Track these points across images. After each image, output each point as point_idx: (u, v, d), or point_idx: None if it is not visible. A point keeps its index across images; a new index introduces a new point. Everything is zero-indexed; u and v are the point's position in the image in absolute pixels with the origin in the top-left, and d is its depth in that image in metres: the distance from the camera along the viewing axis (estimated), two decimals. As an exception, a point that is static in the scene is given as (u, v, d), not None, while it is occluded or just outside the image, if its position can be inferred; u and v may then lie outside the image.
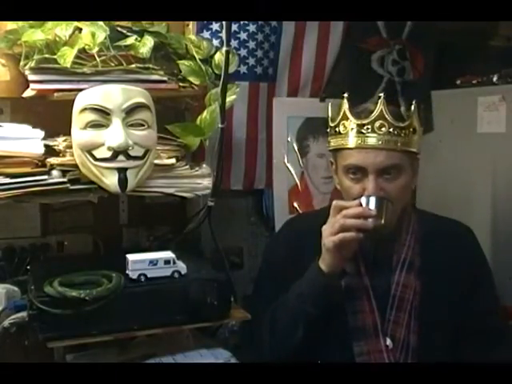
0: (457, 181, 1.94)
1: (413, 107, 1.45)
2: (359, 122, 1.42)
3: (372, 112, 1.42)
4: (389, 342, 1.44)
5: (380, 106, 1.41)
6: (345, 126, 1.44)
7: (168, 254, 1.47)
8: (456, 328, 1.48)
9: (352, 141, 1.43)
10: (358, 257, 1.49)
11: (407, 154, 1.45)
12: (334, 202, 1.43)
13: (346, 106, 1.45)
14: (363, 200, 1.40)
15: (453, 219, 1.60)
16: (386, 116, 1.41)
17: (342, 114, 1.45)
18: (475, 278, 1.51)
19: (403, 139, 1.42)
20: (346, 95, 1.46)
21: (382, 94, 1.42)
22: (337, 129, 1.47)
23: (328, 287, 1.44)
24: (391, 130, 1.41)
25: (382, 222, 1.39)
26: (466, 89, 2.11)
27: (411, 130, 1.44)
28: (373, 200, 1.40)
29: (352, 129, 1.43)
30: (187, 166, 1.59)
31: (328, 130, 1.51)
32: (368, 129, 1.41)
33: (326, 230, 1.41)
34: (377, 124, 1.41)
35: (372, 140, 1.41)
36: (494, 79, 2.03)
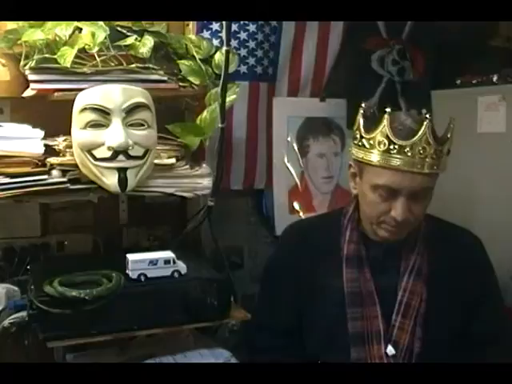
0: (456, 181, 1.94)
1: (450, 131, 1.38)
2: (400, 143, 1.33)
3: (413, 131, 1.34)
4: (389, 349, 1.43)
5: (424, 129, 1.33)
6: (383, 143, 1.35)
7: (168, 254, 1.47)
8: (461, 337, 1.47)
9: (388, 160, 1.35)
10: (365, 262, 1.48)
11: (436, 175, 1.40)
12: None
13: (386, 122, 1.35)
14: None
15: (463, 228, 1.58)
16: (430, 140, 1.33)
17: (380, 129, 1.35)
18: (482, 289, 1.50)
19: (438, 162, 1.36)
20: (388, 110, 1.35)
21: (428, 116, 1.34)
22: (371, 142, 1.37)
23: None
24: (432, 153, 1.34)
25: None
26: (466, 89, 2.11)
27: (446, 152, 1.38)
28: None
29: (391, 148, 1.34)
30: (187, 166, 1.59)
31: (356, 138, 1.42)
32: (408, 151, 1.33)
33: None
34: (419, 147, 1.33)
35: (411, 163, 1.33)
36: (494, 79, 2.03)
